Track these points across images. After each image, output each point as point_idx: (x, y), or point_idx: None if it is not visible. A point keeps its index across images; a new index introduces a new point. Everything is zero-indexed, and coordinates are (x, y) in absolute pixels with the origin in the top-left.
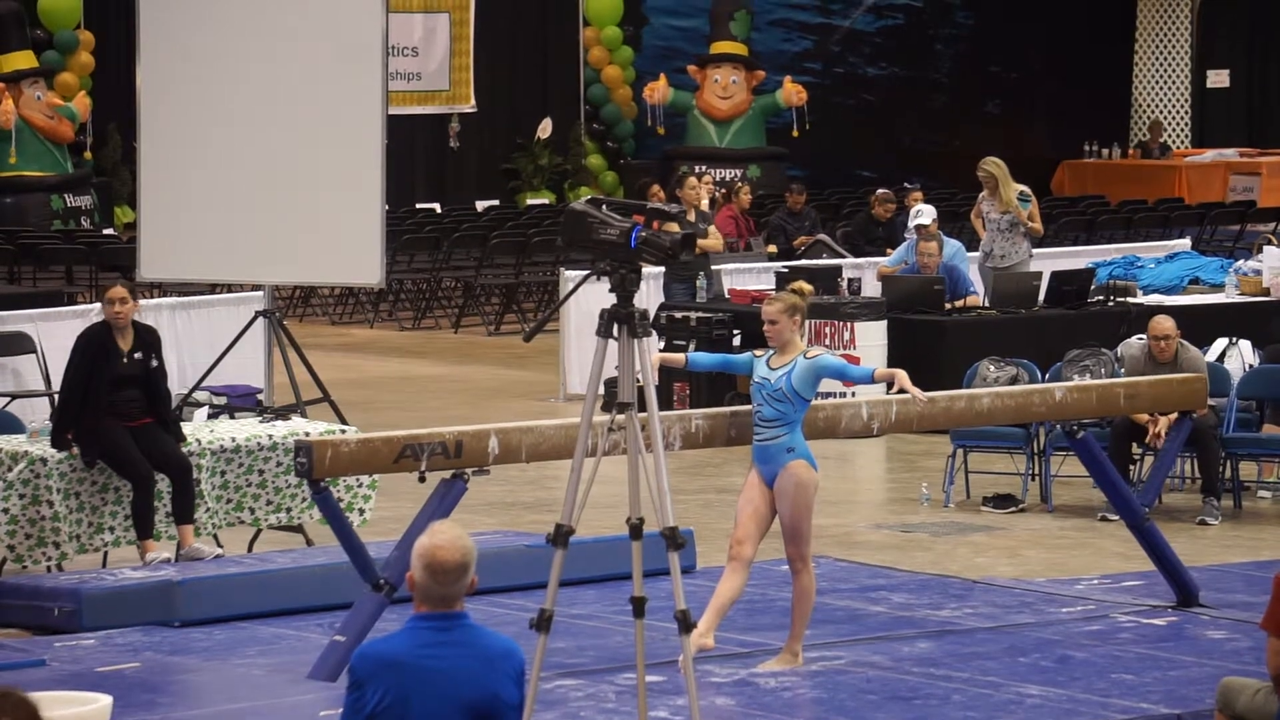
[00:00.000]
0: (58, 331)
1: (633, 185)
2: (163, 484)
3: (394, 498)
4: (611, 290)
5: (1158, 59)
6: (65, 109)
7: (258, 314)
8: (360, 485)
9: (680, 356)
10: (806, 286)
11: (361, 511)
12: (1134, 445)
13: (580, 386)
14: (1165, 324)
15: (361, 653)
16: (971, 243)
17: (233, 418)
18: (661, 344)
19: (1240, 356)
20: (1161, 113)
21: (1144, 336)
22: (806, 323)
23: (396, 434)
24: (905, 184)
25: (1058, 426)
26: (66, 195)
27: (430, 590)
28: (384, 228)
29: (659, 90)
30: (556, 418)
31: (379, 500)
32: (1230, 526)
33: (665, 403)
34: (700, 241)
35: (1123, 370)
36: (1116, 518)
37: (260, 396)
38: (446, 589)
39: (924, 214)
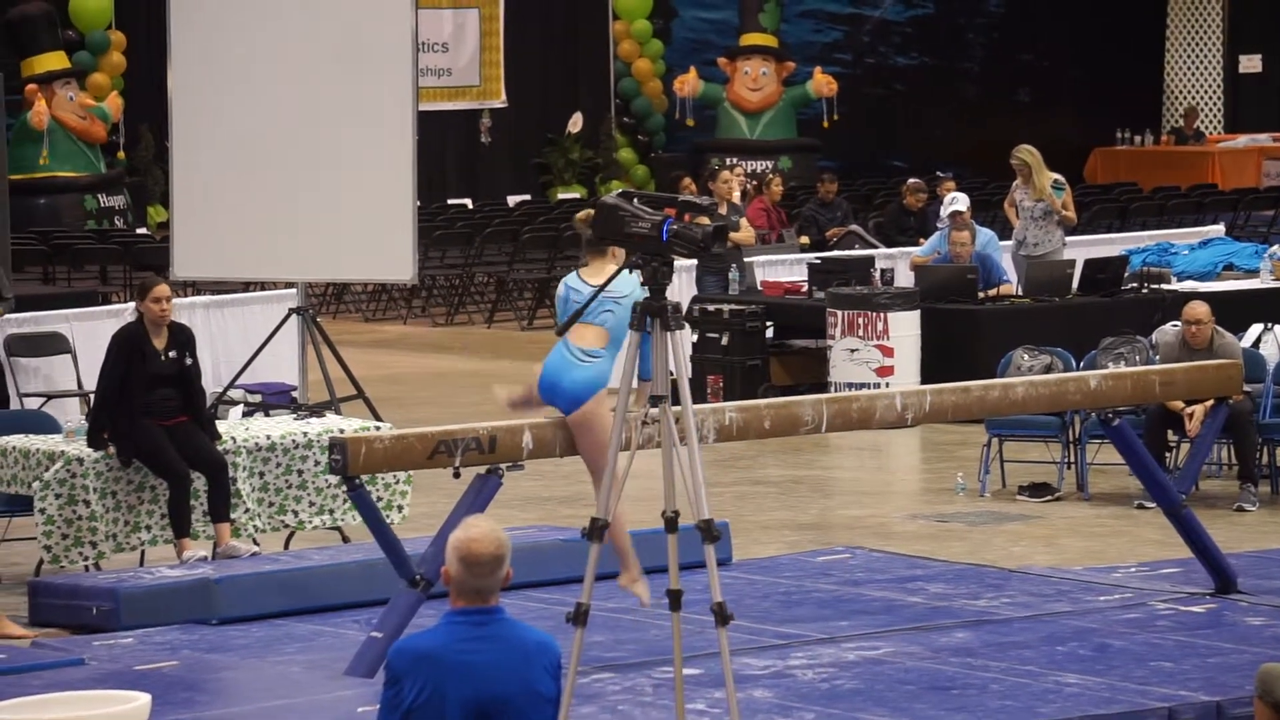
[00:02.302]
0: (92, 331)
1: (664, 178)
2: (199, 482)
3: (429, 494)
4: (644, 283)
5: (1189, 44)
6: (97, 109)
7: (291, 311)
8: (397, 482)
9: (517, 390)
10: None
11: (400, 509)
12: (1170, 432)
13: (614, 380)
14: (1199, 309)
15: (398, 648)
16: (1004, 232)
17: (268, 415)
18: (695, 337)
19: (1275, 342)
20: (1194, 98)
21: (1179, 323)
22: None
23: (430, 430)
24: (938, 173)
25: (1093, 414)
26: (100, 195)
27: (466, 584)
28: (416, 224)
29: (689, 83)
30: None
31: (415, 496)
32: (1268, 512)
33: (699, 395)
34: (732, 235)
35: (1157, 357)
36: (1153, 505)
37: (294, 394)
38: (482, 582)
39: (958, 200)
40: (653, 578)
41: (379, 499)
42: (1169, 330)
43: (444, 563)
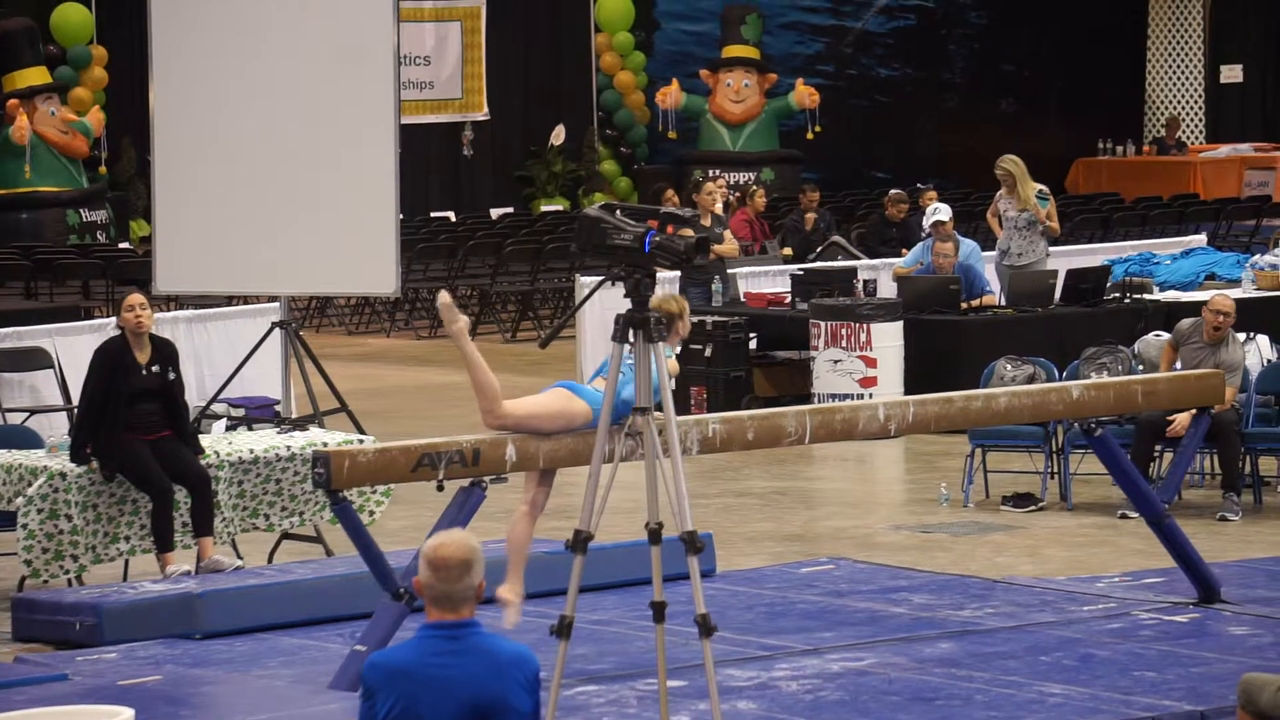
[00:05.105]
0: (75, 346)
1: (647, 191)
2: (180, 496)
3: (413, 507)
4: (626, 295)
5: (1170, 55)
6: (79, 124)
7: (274, 325)
8: (373, 491)
9: None
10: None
11: (372, 514)
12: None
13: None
14: (1228, 303)
15: (372, 662)
16: (986, 242)
17: (251, 429)
18: (678, 349)
19: (1258, 351)
20: (1175, 109)
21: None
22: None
23: (414, 443)
24: (919, 184)
25: (1076, 424)
26: (82, 210)
27: (435, 589)
28: (399, 237)
29: (671, 95)
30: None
31: (399, 509)
32: (1251, 522)
33: (683, 407)
34: (715, 246)
35: (1144, 358)
36: (1136, 515)
37: (278, 408)
38: (450, 587)
39: (941, 211)
40: (636, 590)
41: (353, 502)
42: (1186, 320)
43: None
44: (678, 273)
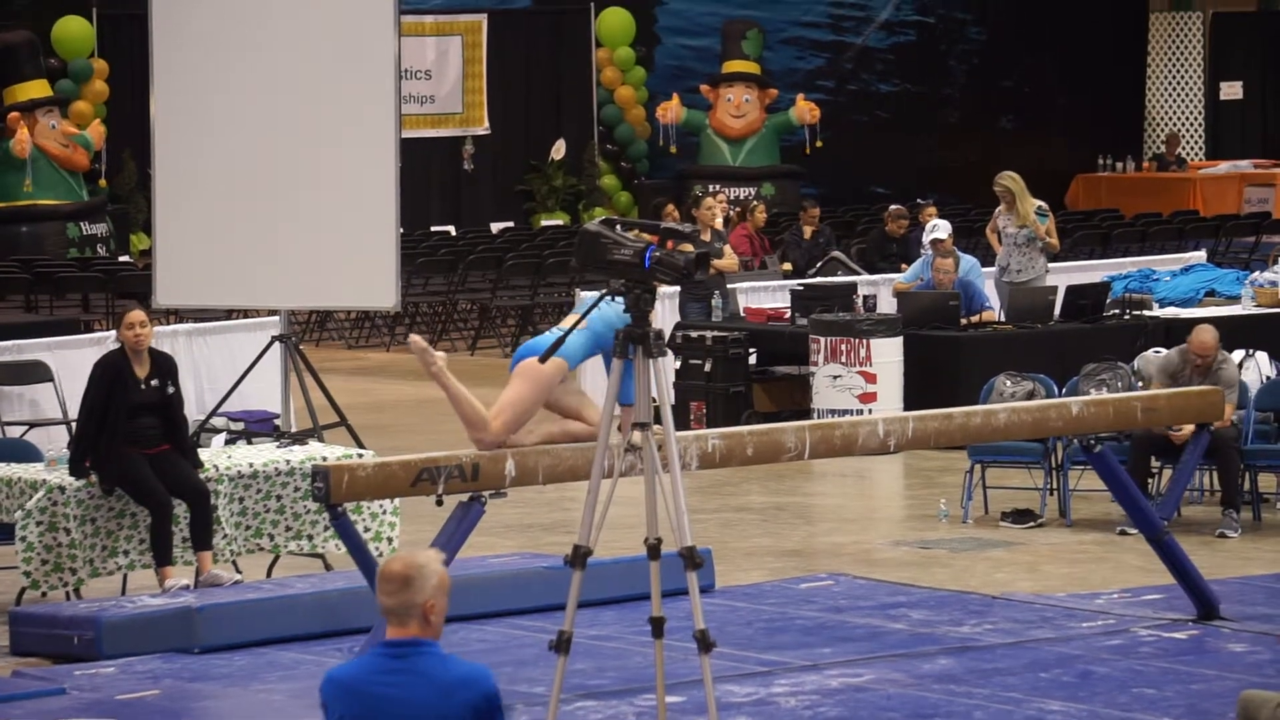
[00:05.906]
0: (74, 360)
1: (647, 205)
2: (179, 510)
3: (413, 521)
4: (626, 310)
5: (1170, 72)
6: (80, 137)
7: (274, 339)
8: (385, 513)
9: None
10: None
11: (390, 540)
12: (1153, 459)
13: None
14: (1205, 337)
15: (327, 676)
16: (986, 258)
17: (250, 443)
18: (678, 364)
19: (1258, 368)
20: (1175, 125)
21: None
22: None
23: (413, 457)
24: (919, 200)
25: (1075, 441)
26: (82, 223)
27: (381, 604)
28: (399, 251)
29: (672, 110)
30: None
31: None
32: (1250, 539)
33: (682, 422)
34: (715, 262)
35: (1153, 368)
36: (1135, 531)
37: (277, 421)
38: (391, 600)
39: (940, 228)
40: (635, 605)
41: (368, 531)
42: (1174, 352)
43: None
44: (677, 287)
